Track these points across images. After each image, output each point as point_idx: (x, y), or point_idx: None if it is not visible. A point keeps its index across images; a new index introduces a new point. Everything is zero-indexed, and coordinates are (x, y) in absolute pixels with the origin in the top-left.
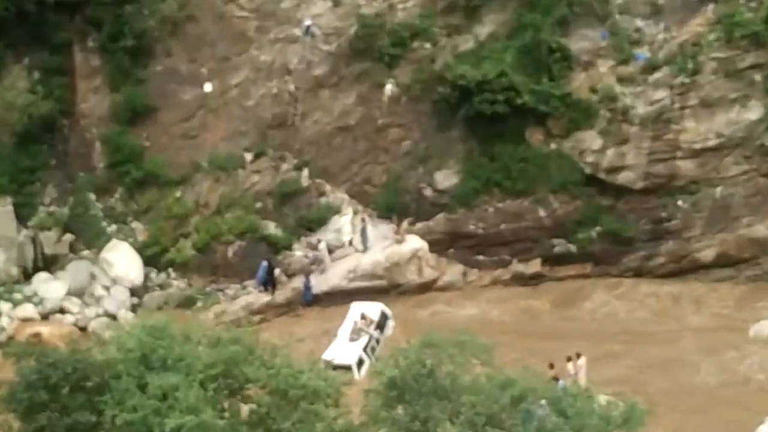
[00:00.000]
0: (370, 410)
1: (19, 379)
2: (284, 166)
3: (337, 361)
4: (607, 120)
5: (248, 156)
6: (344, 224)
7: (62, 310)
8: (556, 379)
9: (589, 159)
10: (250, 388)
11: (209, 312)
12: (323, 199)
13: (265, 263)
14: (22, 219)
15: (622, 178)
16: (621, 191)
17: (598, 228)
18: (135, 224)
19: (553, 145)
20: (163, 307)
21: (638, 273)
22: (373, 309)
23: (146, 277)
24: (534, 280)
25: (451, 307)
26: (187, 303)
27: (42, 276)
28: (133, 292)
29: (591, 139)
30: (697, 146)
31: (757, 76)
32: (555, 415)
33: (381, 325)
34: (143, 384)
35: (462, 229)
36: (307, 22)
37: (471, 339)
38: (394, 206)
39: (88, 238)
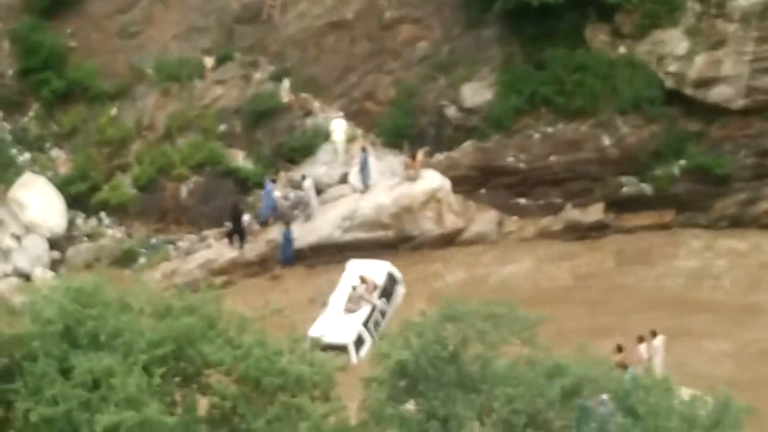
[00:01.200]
0: (372, 405)
1: None
2: (257, 76)
3: (329, 340)
4: (697, 14)
5: (209, 61)
6: (335, 134)
7: None
8: (623, 365)
9: (672, 68)
10: (211, 374)
11: (155, 271)
12: (310, 121)
13: (270, 186)
14: None
15: (716, 94)
16: (714, 113)
17: (682, 162)
18: (55, 152)
19: (622, 49)
20: (94, 265)
21: (736, 223)
22: (377, 270)
23: (70, 223)
24: (594, 231)
25: (481, 266)
26: (125, 259)
27: None
28: (53, 243)
29: (674, 41)
30: None
31: None
32: (621, 413)
33: (387, 292)
34: (67, 367)
35: (497, 162)
36: None
37: (508, 310)
38: (405, 131)
39: None
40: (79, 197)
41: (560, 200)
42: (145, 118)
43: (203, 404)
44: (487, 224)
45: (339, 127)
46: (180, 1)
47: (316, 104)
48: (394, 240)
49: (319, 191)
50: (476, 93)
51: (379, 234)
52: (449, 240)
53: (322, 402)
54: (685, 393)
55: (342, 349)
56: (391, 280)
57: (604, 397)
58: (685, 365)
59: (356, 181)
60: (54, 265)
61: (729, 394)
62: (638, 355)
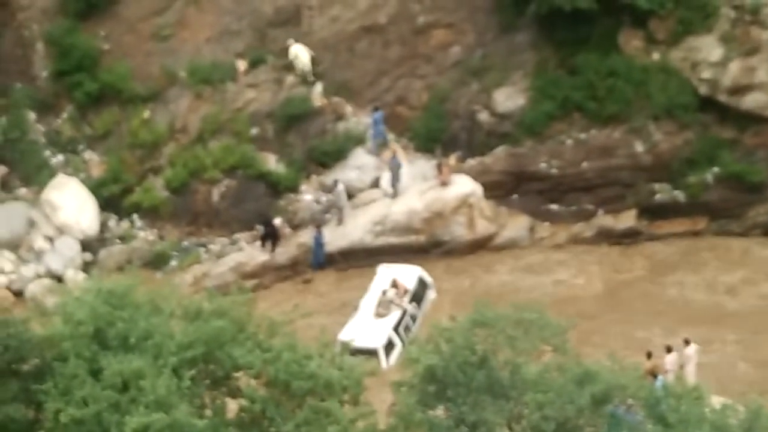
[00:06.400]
0: (401, 410)
1: None
2: (290, 79)
3: (359, 344)
4: (731, 21)
5: (241, 64)
6: (301, 58)
7: None
8: (653, 374)
9: (705, 75)
10: (240, 377)
11: (186, 274)
12: (342, 125)
13: (341, 186)
14: None
15: (750, 101)
16: (748, 120)
17: (715, 169)
18: (88, 154)
19: (655, 55)
20: (125, 267)
21: None
22: (408, 275)
23: (103, 225)
24: (627, 238)
25: (512, 272)
26: (157, 261)
27: None
28: (86, 245)
29: (708, 48)
30: None
31: None
32: (651, 421)
33: (418, 297)
34: (97, 369)
35: (530, 167)
36: None
37: (539, 316)
38: (437, 136)
39: (26, 171)
40: (111, 199)
41: (592, 206)
42: (177, 121)
43: (232, 407)
44: (518, 230)
45: (300, 51)
46: (213, 4)
47: (348, 108)
48: (425, 245)
49: (350, 195)
50: (509, 98)
51: (411, 239)
52: (481, 245)
53: (351, 406)
54: (717, 401)
55: (372, 353)
56: (422, 285)
57: (631, 401)
58: (718, 374)
59: (387, 186)
60: (86, 267)
61: (760, 403)
62: (669, 363)
